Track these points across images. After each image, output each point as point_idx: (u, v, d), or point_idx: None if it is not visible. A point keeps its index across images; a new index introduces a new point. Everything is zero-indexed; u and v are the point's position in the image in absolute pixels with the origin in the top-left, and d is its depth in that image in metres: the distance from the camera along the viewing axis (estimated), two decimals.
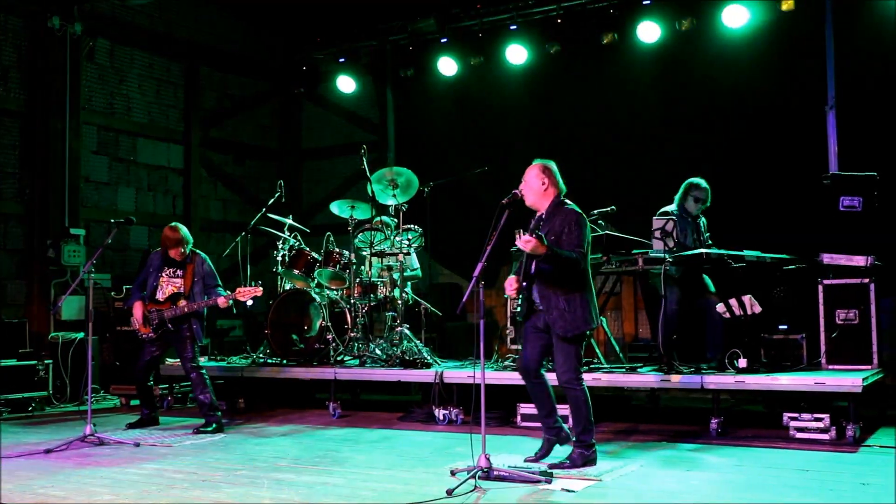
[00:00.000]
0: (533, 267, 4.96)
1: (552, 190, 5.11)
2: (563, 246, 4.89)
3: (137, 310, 6.82)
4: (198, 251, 7.16)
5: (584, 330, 4.98)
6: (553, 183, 5.12)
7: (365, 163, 8.14)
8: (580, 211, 5.06)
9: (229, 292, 6.90)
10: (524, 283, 4.96)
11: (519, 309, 5.09)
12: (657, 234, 6.72)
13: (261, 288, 6.80)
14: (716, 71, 8.53)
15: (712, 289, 7.06)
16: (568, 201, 5.11)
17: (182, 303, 6.92)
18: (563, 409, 5.45)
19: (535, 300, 5.01)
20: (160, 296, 7.02)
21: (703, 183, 7.18)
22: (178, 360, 7.12)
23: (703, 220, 7.32)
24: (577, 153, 9.13)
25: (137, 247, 10.36)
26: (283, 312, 8.10)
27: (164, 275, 7.05)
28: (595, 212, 7.19)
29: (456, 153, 10.27)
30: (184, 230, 7.06)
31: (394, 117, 11.18)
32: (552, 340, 5.01)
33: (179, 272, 7.03)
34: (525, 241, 4.71)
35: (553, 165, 5.17)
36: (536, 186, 5.08)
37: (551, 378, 5.21)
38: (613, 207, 7.31)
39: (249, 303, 7.24)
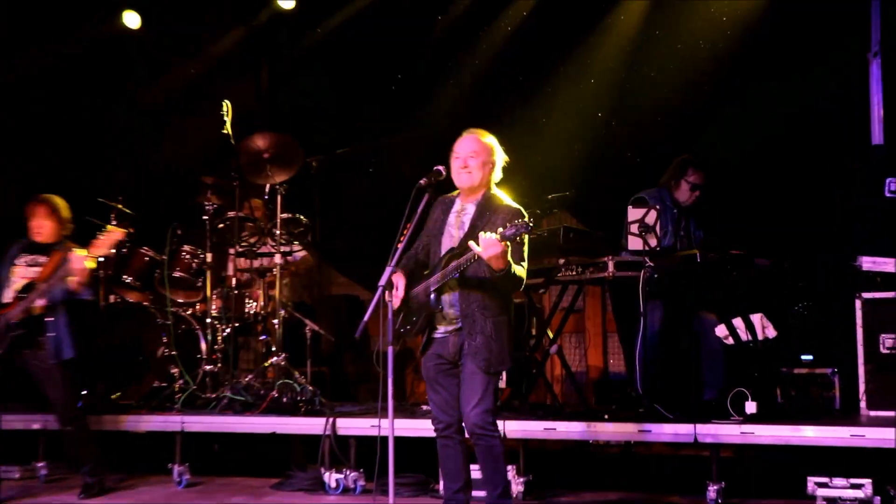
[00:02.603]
0: (455, 273, 5.08)
1: (489, 176, 5.29)
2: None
3: None
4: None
5: (509, 366, 5.25)
6: (496, 166, 5.30)
7: (228, 126, 7.87)
8: (520, 208, 5.20)
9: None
10: (432, 293, 5.10)
11: (407, 329, 5.26)
12: (634, 228, 6.74)
13: (121, 230, 6.71)
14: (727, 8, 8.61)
15: (710, 305, 7.10)
16: (501, 194, 5.27)
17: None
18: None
19: (448, 315, 5.17)
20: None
21: (700, 167, 7.30)
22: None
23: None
24: (528, 115, 9.21)
25: None
26: (108, 336, 8.09)
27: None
28: (548, 197, 7.29)
29: (355, 114, 10.22)
30: None
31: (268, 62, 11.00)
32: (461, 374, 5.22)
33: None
34: (489, 244, 4.75)
35: (494, 141, 5.33)
36: (478, 166, 5.20)
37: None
38: (573, 190, 7.41)
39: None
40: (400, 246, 4.90)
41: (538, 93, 9.20)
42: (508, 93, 9.45)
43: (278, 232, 8.01)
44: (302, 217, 8.20)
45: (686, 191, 7.30)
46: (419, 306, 5.30)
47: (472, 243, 4.89)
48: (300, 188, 8.48)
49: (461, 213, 5.32)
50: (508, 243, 4.84)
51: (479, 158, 5.24)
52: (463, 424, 5.30)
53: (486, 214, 5.22)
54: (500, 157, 5.35)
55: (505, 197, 5.30)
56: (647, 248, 6.71)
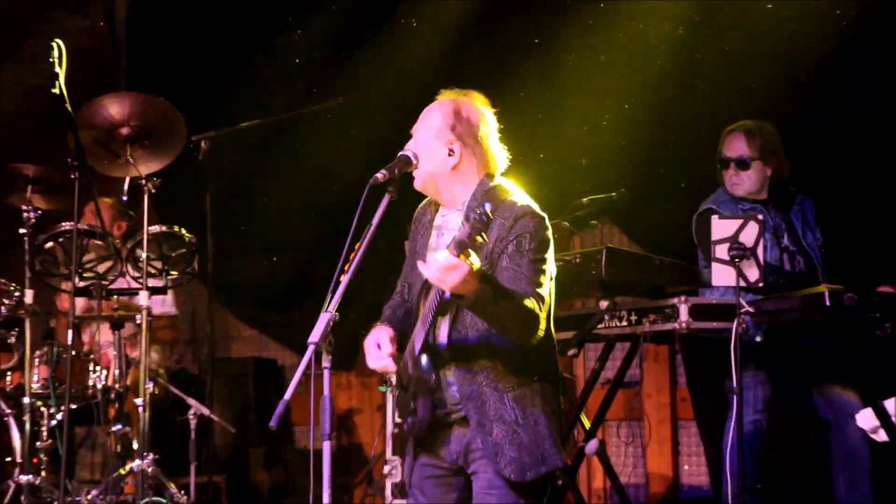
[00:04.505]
0: (446, 322, 4.87)
1: (474, 161, 4.99)
2: (507, 282, 4.72)
3: None
4: None
5: (556, 467, 4.91)
6: (478, 145, 5.00)
7: (61, 82, 7.12)
8: (538, 210, 4.92)
9: None
10: (419, 354, 4.85)
11: (409, 423, 4.99)
12: (721, 251, 6.29)
13: None
14: None
15: (847, 377, 6.77)
16: (509, 186, 5.01)
17: None
18: None
19: (446, 395, 4.90)
20: None
21: (740, 129, 7.15)
22: None
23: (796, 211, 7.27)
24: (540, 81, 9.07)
25: None
26: None
27: None
28: (584, 200, 7.10)
29: (271, 64, 10.06)
30: None
31: None
32: (472, 490, 4.97)
33: None
34: (443, 268, 4.43)
35: (480, 105, 5.06)
36: (437, 149, 4.94)
37: None
38: (623, 192, 7.19)
39: None
40: (345, 278, 4.48)
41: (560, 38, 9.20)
42: (516, 41, 9.41)
43: (145, 255, 7.50)
44: (184, 231, 7.73)
45: (729, 176, 7.03)
46: (412, 382, 4.93)
47: (421, 265, 4.56)
48: (182, 185, 8.32)
49: (441, 227, 5.04)
50: (472, 253, 4.42)
51: (443, 137, 4.92)
52: None
53: (478, 228, 4.78)
54: (489, 124, 5.04)
55: (513, 189, 4.97)
56: (743, 283, 6.17)
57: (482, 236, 4.38)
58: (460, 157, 4.91)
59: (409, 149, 4.94)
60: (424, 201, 5.16)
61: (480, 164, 4.97)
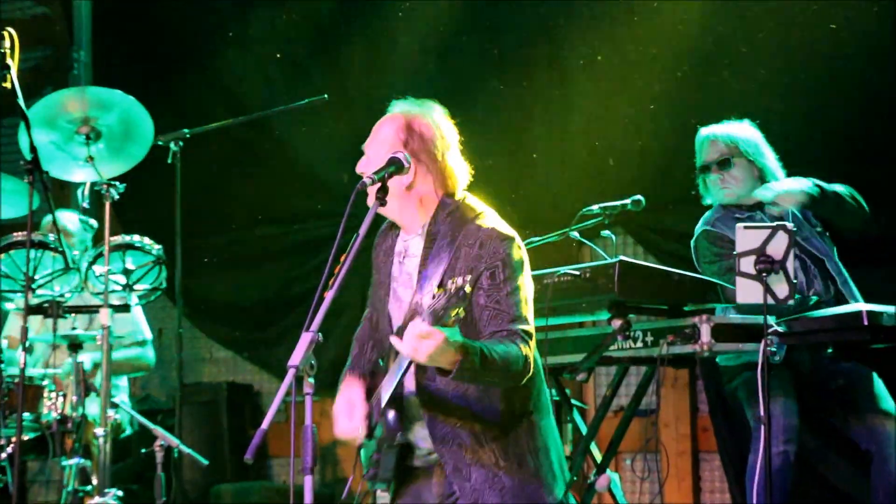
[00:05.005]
0: (415, 379, 4.94)
1: (430, 179, 5.02)
2: (487, 322, 4.82)
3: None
4: None
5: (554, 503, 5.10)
6: (433, 162, 5.02)
7: (12, 74, 7.03)
8: (505, 230, 4.98)
9: None
10: (385, 407, 4.92)
11: (372, 474, 5.08)
12: (746, 264, 6.15)
13: None
14: None
15: (890, 405, 6.70)
16: (474, 204, 5.05)
17: None
18: None
19: (418, 444, 5.02)
20: None
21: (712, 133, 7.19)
22: None
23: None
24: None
25: None
26: None
27: None
28: (596, 207, 7.00)
29: (249, 61, 10.18)
30: None
31: None
32: None
33: None
34: (415, 337, 4.47)
35: (437, 117, 5.07)
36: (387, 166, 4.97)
37: None
38: (639, 199, 7.03)
39: None
40: (329, 294, 4.47)
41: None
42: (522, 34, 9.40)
43: (106, 269, 7.37)
44: (151, 242, 7.66)
45: (714, 182, 7.07)
46: (377, 434, 5.01)
47: (394, 340, 4.59)
48: (148, 191, 8.38)
49: (402, 254, 5.09)
50: (451, 319, 4.49)
51: (396, 152, 4.94)
52: None
53: (440, 253, 4.99)
54: (446, 138, 5.03)
55: (478, 207, 5.01)
56: (771, 299, 6.01)
57: (459, 311, 4.37)
58: (414, 174, 4.87)
59: (361, 167, 4.90)
60: (384, 226, 5.13)
61: (438, 182, 4.95)
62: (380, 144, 4.97)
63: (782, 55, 8.85)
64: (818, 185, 6.70)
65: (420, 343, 4.37)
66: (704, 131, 7.19)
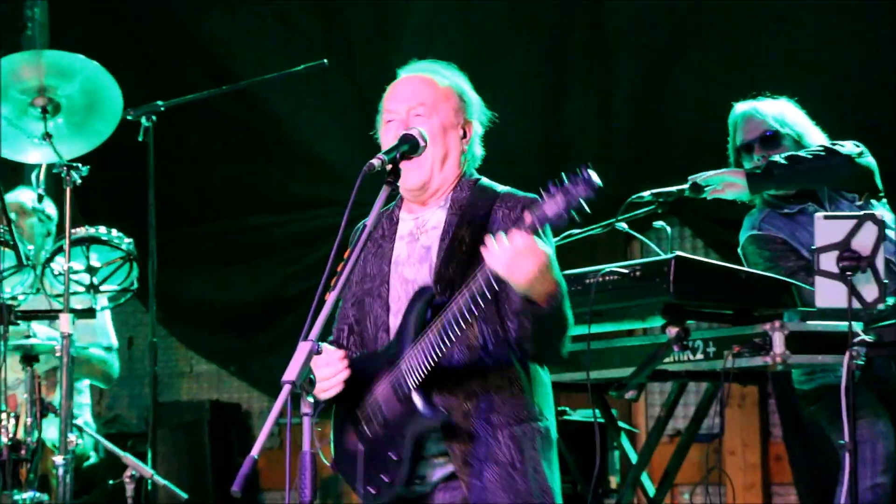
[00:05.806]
0: (444, 340, 4.89)
1: (464, 148, 5.21)
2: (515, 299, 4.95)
3: None
4: None
5: None
6: (473, 128, 5.21)
7: None
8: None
9: None
10: (412, 392, 5.00)
11: (384, 482, 5.04)
12: (827, 261, 6.25)
13: None
14: None
15: None
16: (492, 183, 5.27)
17: None
18: None
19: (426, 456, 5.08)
20: None
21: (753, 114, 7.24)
22: None
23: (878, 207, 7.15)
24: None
25: None
26: None
27: None
28: (646, 194, 7.05)
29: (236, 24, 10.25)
30: None
31: None
32: None
33: None
34: (517, 250, 4.57)
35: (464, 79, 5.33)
36: (439, 131, 5.10)
37: None
38: (698, 184, 7.05)
39: None
40: (331, 296, 4.48)
41: None
42: None
43: (67, 266, 7.31)
44: (120, 235, 7.66)
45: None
46: (396, 426, 4.95)
47: (482, 249, 4.62)
48: (116, 174, 8.81)
49: (419, 231, 5.14)
50: (542, 239, 4.71)
51: (437, 116, 5.07)
52: None
53: (464, 222, 5.12)
54: (478, 109, 5.22)
55: (500, 188, 5.18)
56: (858, 304, 6.09)
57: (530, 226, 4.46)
58: (444, 144, 5.03)
59: (414, 129, 4.88)
60: (374, 216, 4.90)
61: (465, 152, 5.10)
62: (412, 103, 5.05)
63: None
64: (751, 174, 6.63)
65: (521, 258, 4.41)
66: (741, 107, 7.17)
